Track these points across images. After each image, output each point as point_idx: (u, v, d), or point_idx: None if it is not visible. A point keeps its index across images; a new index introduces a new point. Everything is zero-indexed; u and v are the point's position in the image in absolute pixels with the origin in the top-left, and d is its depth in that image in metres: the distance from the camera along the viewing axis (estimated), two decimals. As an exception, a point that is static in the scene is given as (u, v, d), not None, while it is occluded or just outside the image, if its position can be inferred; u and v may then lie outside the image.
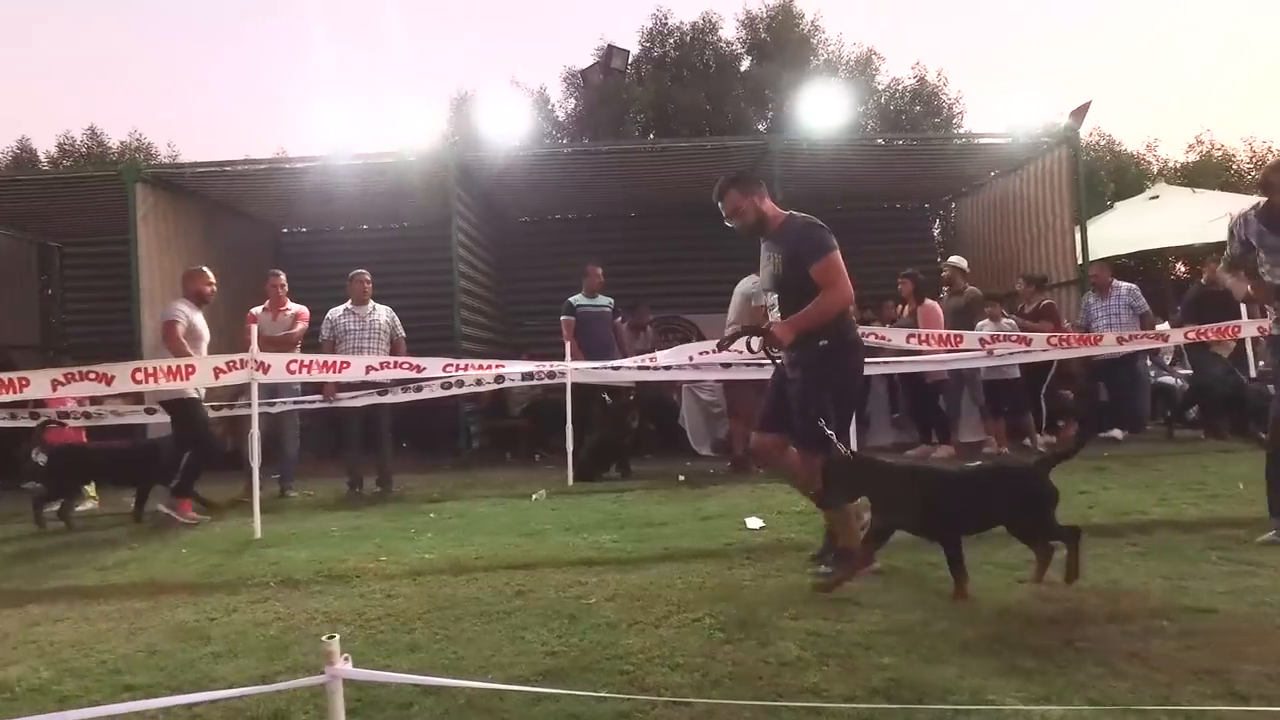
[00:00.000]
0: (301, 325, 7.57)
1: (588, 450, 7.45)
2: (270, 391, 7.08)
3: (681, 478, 7.29)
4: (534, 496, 6.46)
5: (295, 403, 7.39)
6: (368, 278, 7.61)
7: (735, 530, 4.90)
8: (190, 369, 5.46)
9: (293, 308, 7.65)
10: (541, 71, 50.02)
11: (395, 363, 6.43)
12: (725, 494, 6.23)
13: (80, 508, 7.07)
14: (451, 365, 6.92)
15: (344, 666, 1.87)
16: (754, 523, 5.01)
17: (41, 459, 7.45)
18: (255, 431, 5.43)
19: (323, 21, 45.63)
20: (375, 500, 6.92)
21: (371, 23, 48.73)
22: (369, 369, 5.69)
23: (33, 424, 7.23)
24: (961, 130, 17.05)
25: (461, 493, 7.00)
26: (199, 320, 6.35)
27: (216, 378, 5.56)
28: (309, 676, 1.86)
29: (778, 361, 3.92)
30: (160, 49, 46.84)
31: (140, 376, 5.40)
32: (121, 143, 18.14)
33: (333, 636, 1.87)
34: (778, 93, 16.52)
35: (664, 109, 16.14)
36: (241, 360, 5.51)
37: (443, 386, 7.17)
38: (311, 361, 5.71)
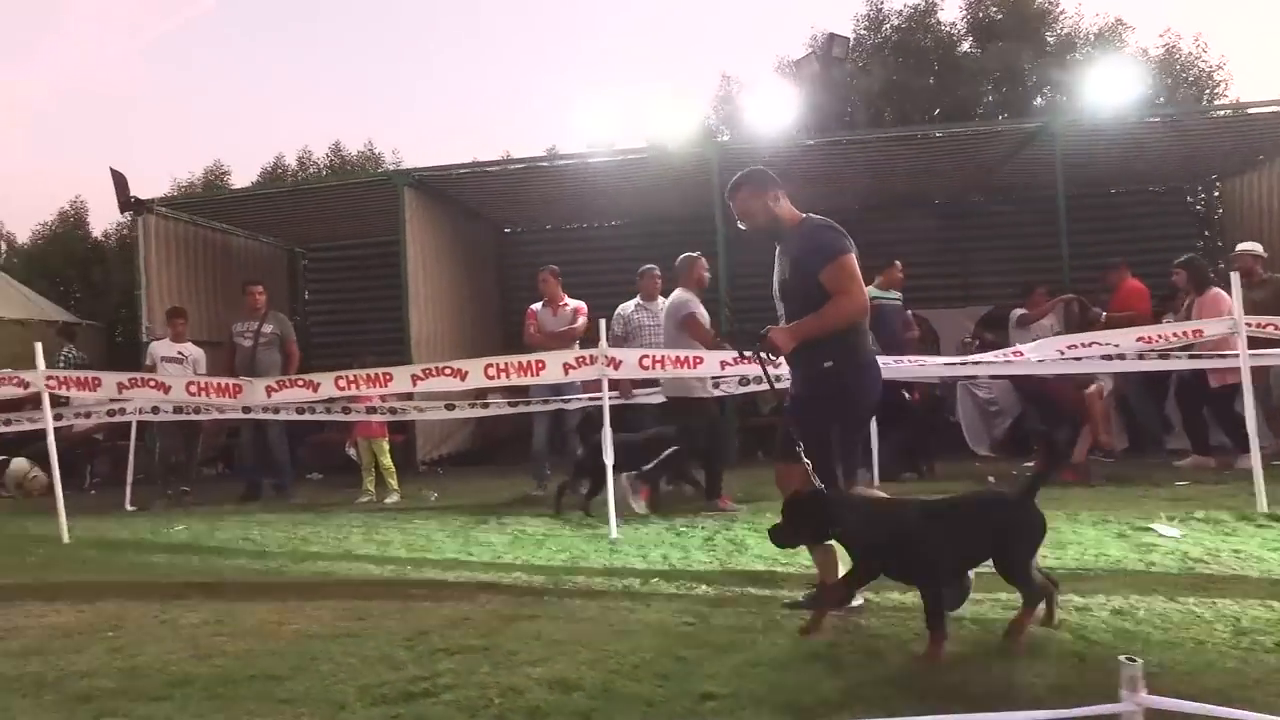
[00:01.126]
0: (582, 320, 7.62)
1: (889, 449, 7.11)
2: (554, 390, 7.19)
3: (992, 478, 6.87)
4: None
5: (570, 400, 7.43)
6: (658, 273, 7.55)
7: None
8: (540, 364, 5.52)
9: (571, 303, 7.72)
10: (750, 64, 50.29)
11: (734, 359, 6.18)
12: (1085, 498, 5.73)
13: (387, 500, 7.47)
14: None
15: (1146, 696, 1.60)
16: (1168, 530, 4.51)
17: (352, 452, 7.91)
18: (606, 427, 5.37)
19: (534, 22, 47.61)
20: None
21: (578, 24, 50.24)
22: (723, 364, 5.56)
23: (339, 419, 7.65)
24: (1230, 100, 15.37)
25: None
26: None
27: (566, 373, 5.60)
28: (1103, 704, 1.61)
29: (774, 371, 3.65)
30: (384, 61, 50.04)
31: (492, 372, 5.52)
32: (358, 152, 19.55)
33: (1133, 659, 1.61)
34: (1013, 73, 15.60)
35: (890, 96, 15.55)
36: (591, 356, 5.51)
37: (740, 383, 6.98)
38: (663, 358, 5.62)
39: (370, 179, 9.56)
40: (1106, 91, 8.94)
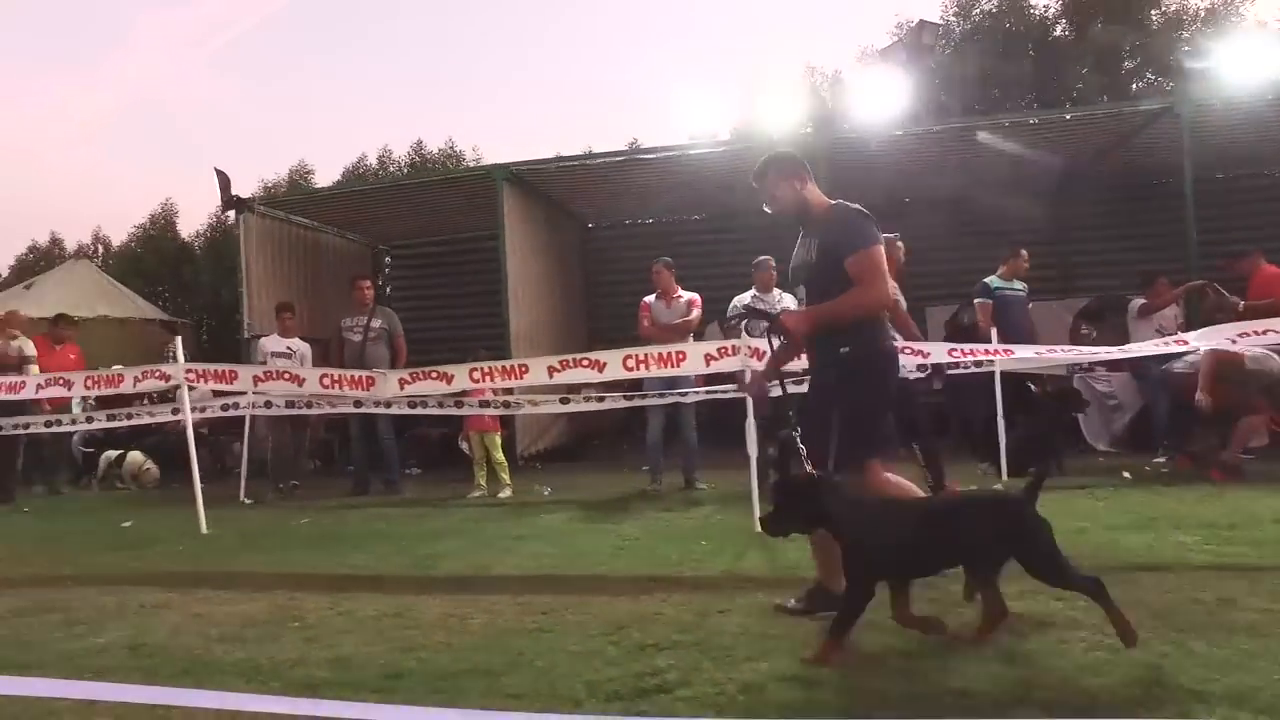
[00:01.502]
0: (696, 312, 7.53)
1: (1017, 442, 6.88)
2: (669, 383, 7.10)
3: (1127, 474, 6.60)
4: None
5: (690, 393, 7.34)
6: (773, 264, 7.43)
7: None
8: (681, 355, 5.45)
9: (684, 295, 7.63)
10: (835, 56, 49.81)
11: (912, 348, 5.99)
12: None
13: (500, 494, 7.46)
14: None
15: None
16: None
17: (465, 446, 7.91)
18: (752, 420, 5.26)
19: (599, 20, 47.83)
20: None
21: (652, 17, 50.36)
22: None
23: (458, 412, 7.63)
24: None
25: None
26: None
27: (708, 364, 5.51)
28: None
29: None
30: (462, 57, 50.77)
31: (631, 363, 5.46)
32: (439, 149, 19.84)
33: None
34: (1114, 55, 15.05)
35: (986, 82, 15.14)
36: (734, 347, 5.41)
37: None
38: None
39: (469, 173, 9.56)
40: (1232, 69, 8.52)
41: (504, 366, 5.51)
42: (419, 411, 7.51)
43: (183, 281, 18.16)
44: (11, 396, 6.60)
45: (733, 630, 3.18)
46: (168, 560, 5.16)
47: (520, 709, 2.52)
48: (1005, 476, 6.51)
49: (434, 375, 5.70)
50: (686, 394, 7.19)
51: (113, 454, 9.56)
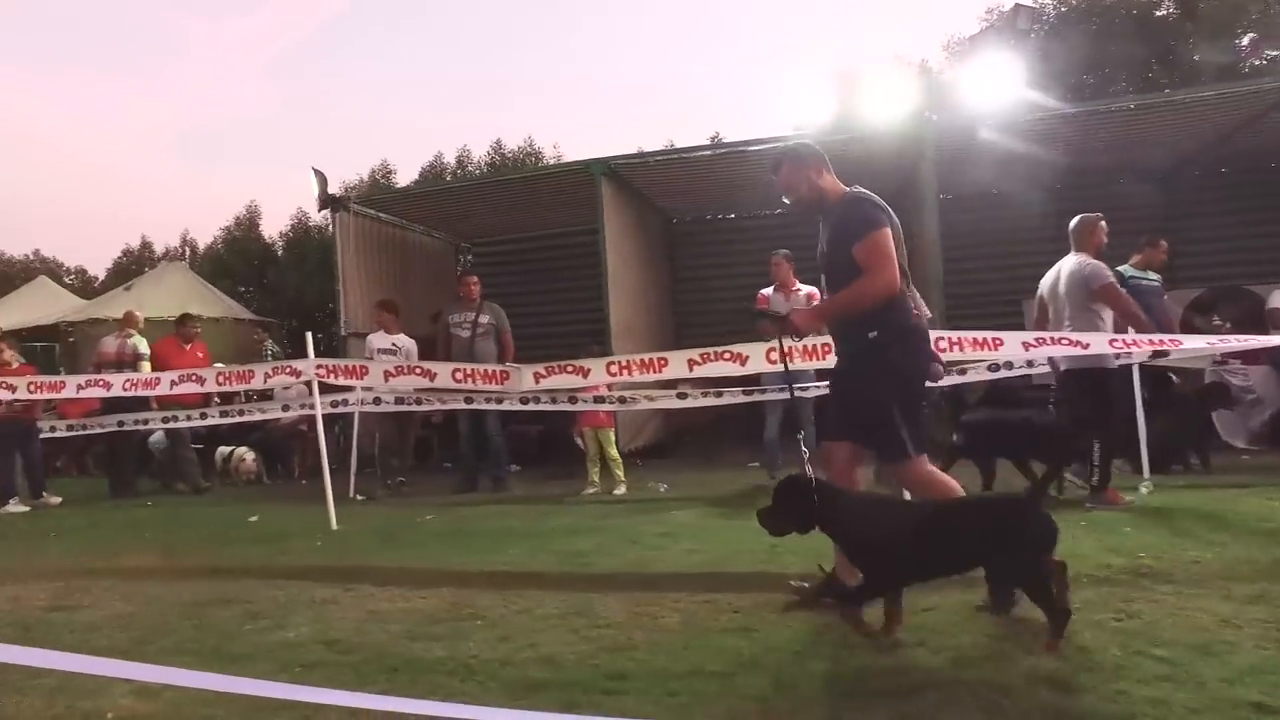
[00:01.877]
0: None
1: (1155, 440, 6.55)
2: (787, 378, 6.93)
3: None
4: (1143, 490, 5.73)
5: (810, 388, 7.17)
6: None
7: None
8: (827, 348, 5.27)
9: (804, 289, 7.47)
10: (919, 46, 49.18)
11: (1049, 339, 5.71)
12: None
13: (615, 490, 7.36)
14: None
15: None
16: None
17: (580, 442, 7.84)
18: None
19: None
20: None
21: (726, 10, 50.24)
22: (1027, 345, 5.19)
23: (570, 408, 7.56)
24: None
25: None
26: None
27: (771, 360, 5.32)
28: None
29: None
30: (540, 61, 51.45)
31: (774, 356, 5.30)
32: (518, 147, 20.00)
33: None
34: (1225, 32, 14.41)
35: (1093, 63, 14.60)
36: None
37: (989, 369, 6.56)
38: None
39: (568, 167, 9.50)
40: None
41: (642, 360, 5.41)
42: (531, 408, 7.47)
43: (264, 282, 18.54)
44: (144, 393, 6.71)
45: (946, 624, 3.02)
46: (311, 555, 5.17)
47: (763, 711, 2.40)
48: (1146, 474, 6.20)
49: (570, 369, 5.62)
50: (807, 389, 7.05)
51: (226, 450, 9.71)
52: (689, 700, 2.54)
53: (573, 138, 50.15)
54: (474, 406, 7.45)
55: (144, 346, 9.00)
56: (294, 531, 5.97)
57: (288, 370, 6.15)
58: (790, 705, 2.45)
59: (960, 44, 16.47)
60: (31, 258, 26.90)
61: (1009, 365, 6.34)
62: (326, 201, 10.31)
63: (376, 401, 7.70)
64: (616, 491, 7.28)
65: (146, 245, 23.54)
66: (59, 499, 8.12)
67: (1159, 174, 10.47)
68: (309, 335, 6.03)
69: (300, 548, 5.39)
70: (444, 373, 6.05)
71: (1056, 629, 2.75)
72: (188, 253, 21.85)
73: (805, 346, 5.31)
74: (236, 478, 9.58)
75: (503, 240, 13.49)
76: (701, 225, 13.01)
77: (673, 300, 12.49)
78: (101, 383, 7.05)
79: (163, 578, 4.58)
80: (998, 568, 2.93)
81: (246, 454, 9.62)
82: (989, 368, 6.44)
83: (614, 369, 5.37)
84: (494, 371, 5.94)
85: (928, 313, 4.30)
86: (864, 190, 3.45)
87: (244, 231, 20.65)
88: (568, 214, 11.30)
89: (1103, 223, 5.69)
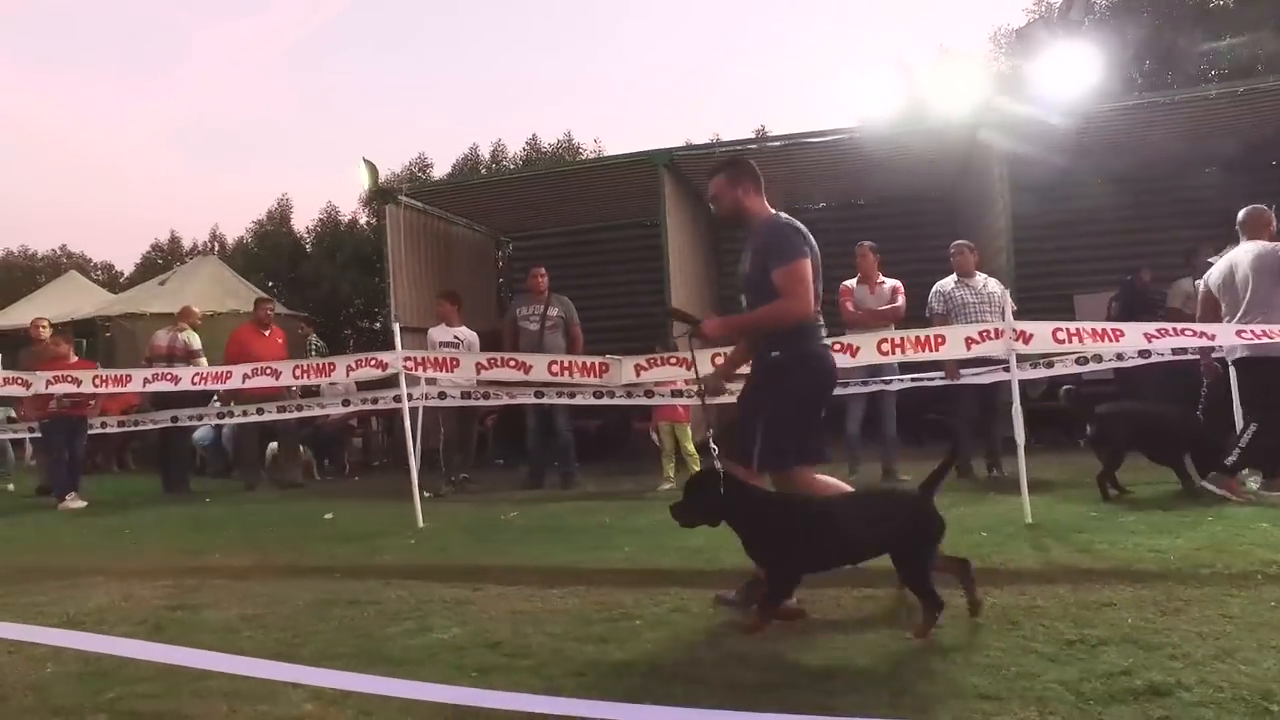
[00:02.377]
0: (902, 299, 7.21)
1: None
2: (872, 371, 6.76)
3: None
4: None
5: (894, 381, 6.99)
6: (970, 246, 7.08)
7: None
8: (940, 339, 5.11)
9: (888, 281, 7.31)
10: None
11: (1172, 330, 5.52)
12: None
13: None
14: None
15: None
16: None
17: (655, 437, 7.67)
18: (1016, 404, 4.92)
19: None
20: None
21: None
22: (1149, 336, 5.01)
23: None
24: None
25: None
26: None
27: (969, 348, 5.15)
28: None
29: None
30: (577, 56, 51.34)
31: (886, 347, 5.15)
32: (556, 142, 19.87)
33: None
34: None
35: (1154, 53, 14.38)
36: (998, 330, 5.05)
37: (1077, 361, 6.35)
38: (1078, 331, 5.08)
39: (630, 158, 9.33)
40: None
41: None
42: (604, 402, 7.29)
43: (296, 276, 18.38)
44: (213, 386, 6.54)
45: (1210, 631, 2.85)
46: (411, 553, 5.00)
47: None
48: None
49: (672, 361, 5.45)
50: (890, 381, 6.89)
51: (276, 445, 9.54)
52: (929, 701, 2.37)
53: (597, 132, 49.81)
54: (544, 401, 7.28)
55: (196, 342, 8.86)
56: (380, 529, 5.80)
57: (372, 362, 5.97)
58: (1021, 704, 2.28)
59: (1008, 35, 16.40)
60: (59, 252, 26.82)
61: (1093, 359, 6.16)
62: (377, 194, 10.14)
63: (441, 396, 7.54)
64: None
65: (175, 240, 23.48)
66: (84, 503, 7.79)
67: (1233, 162, 10.30)
68: (396, 327, 5.86)
69: (395, 545, 5.22)
70: (540, 364, 5.88)
71: (928, 618, 2.89)
72: (216, 247, 21.76)
73: (918, 339, 5.13)
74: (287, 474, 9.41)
75: (543, 233, 13.35)
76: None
77: (721, 292, 12.33)
78: (169, 376, 6.86)
79: (267, 577, 4.41)
80: (893, 558, 3.06)
81: (301, 450, 9.46)
82: (1076, 360, 6.26)
83: (719, 361, 5.18)
84: (593, 364, 5.77)
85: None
86: (788, 217, 3.60)
87: (275, 225, 20.52)
88: (616, 206, 11.14)
89: (1270, 211, 5.62)
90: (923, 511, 3.05)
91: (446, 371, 5.98)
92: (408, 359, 5.78)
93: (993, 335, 5.09)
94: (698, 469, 7.22)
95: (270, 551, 5.18)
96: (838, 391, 6.94)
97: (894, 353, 5.23)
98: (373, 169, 9.89)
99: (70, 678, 2.84)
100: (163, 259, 21.25)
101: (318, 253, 18.10)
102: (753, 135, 16.95)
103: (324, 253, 17.74)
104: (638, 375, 5.56)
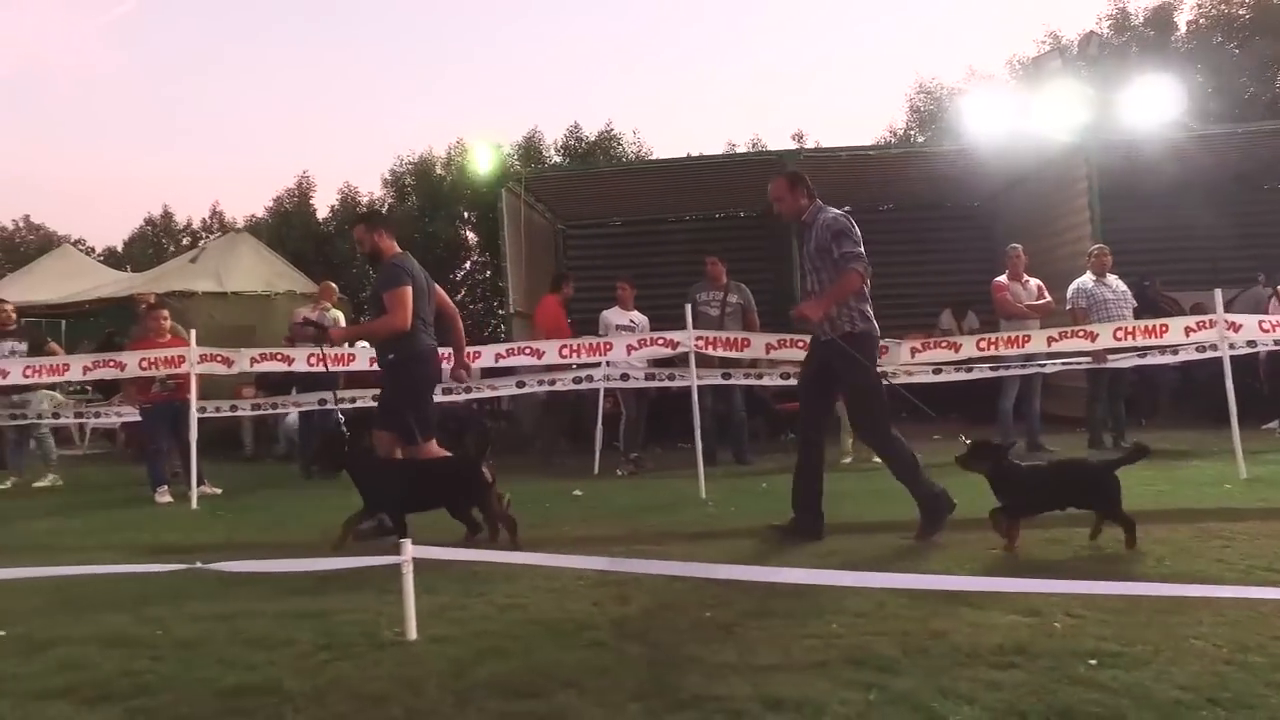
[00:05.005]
0: (1049, 295, 8.22)
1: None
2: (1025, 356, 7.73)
3: None
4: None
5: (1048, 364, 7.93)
6: (1108, 251, 8.17)
7: None
8: (1164, 328, 6.11)
9: (1032, 280, 8.31)
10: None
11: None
12: None
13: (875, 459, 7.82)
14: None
15: None
16: None
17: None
18: (1229, 383, 5.90)
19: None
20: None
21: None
22: None
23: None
24: None
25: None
26: None
27: (1187, 335, 6.14)
28: None
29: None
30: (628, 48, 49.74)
31: (1120, 334, 6.11)
32: (600, 132, 20.00)
33: None
34: None
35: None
36: (1211, 320, 6.08)
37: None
38: None
39: (760, 155, 9.97)
40: None
41: (1008, 337, 6.08)
42: (778, 383, 7.94)
43: (325, 258, 17.89)
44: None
45: None
46: (740, 518, 5.50)
47: None
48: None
49: (943, 345, 6.22)
50: (1045, 365, 7.89)
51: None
52: None
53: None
54: (729, 382, 7.85)
55: (342, 320, 8.89)
56: (667, 502, 6.25)
57: (661, 341, 6.42)
58: None
59: (1025, 64, 17.93)
60: (20, 224, 24.58)
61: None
62: (496, 179, 10.33)
63: (624, 378, 8.00)
64: (876, 459, 7.89)
65: (168, 215, 22.14)
66: (219, 489, 7.59)
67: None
68: (688, 308, 6.31)
69: (697, 514, 5.71)
70: (759, 344, 6.49)
71: (471, 531, 4.68)
72: (218, 225, 20.73)
73: (1147, 327, 6.17)
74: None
75: (595, 224, 13.79)
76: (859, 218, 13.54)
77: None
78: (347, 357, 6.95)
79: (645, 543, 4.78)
80: (453, 505, 4.68)
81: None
82: (1197, 349, 7.47)
83: (982, 345, 6.04)
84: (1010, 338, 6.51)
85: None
86: (399, 252, 5.18)
87: (296, 205, 19.76)
88: (703, 198, 11.70)
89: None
90: (472, 471, 4.62)
91: (737, 350, 6.51)
92: (699, 338, 6.29)
93: (1207, 325, 6.13)
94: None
95: (604, 525, 5.49)
96: (999, 372, 8.07)
97: (1127, 339, 6.21)
98: (497, 151, 10.09)
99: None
100: (158, 236, 20.04)
101: (346, 235, 17.81)
102: (879, 141, 17.78)
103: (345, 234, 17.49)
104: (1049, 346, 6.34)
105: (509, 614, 3.38)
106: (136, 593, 3.70)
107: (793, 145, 20.46)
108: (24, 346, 8.83)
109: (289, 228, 18.98)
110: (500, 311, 20.31)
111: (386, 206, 19.96)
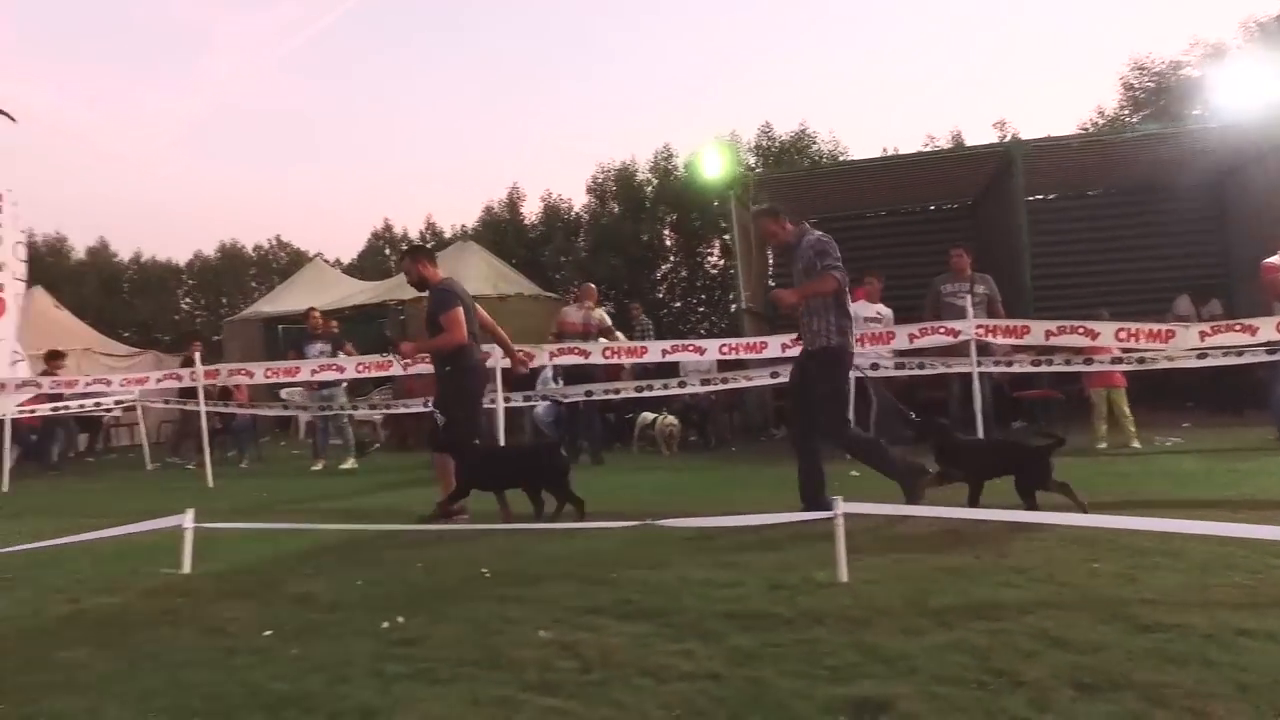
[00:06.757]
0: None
1: None
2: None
3: None
4: None
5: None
6: None
7: None
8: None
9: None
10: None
11: None
12: None
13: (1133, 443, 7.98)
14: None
15: None
16: None
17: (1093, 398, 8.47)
18: None
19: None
20: None
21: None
22: None
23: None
24: None
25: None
26: None
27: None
28: None
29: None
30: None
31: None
32: (791, 133, 20.73)
33: None
34: None
35: None
36: None
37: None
38: None
39: (986, 149, 10.14)
40: None
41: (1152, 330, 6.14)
42: (1023, 370, 8.10)
43: (536, 261, 19.39)
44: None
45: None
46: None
47: None
48: None
49: (1236, 328, 6.29)
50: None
51: (650, 416, 10.41)
52: None
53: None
54: (983, 369, 8.08)
55: (607, 319, 9.72)
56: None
57: (943, 330, 6.82)
58: None
59: (1264, 23, 16.85)
60: (274, 243, 28.28)
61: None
62: (724, 181, 10.94)
63: (874, 368, 8.40)
64: (1134, 444, 7.96)
65: (388, 227, 24.79)
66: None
67: None
68: (970, 299, 6.67)
69: None
70: (1107, 331, 6.70)
71: (537, 510, 5.49)
72: (430, 235, 22.88)
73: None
74: (662, 443, 10.27)
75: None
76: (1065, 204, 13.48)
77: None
78: (694, 349, 7.73)
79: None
80: (531, 486, 5.47)
81: (673, 420, 10.32)
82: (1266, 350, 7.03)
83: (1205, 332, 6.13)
84: (1160, 330, 6.60)
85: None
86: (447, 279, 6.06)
87: (508, 213, 21.58)
88: (907, 192, 11.88)
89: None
90: (557, 455, 5.58)
91: (1016, 338, 6.82)
92: (979, 325, 6.63)
93: None
94: (1134, 429, 8.10)
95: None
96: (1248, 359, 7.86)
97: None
98: (732, 151, 10.70)
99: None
100: (386, 246, 22.47)
101: (554, 238, 19.15)
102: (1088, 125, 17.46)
103: (562, 237, 18.92)
104: (1201, 340, 6.39)
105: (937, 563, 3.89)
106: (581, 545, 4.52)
107: (994, 135, 20.15)
108: (329, 348, 10.27)
109: (502, 235, 20.51)
110: (700, 309, 21.32)
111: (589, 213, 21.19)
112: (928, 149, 18.62)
